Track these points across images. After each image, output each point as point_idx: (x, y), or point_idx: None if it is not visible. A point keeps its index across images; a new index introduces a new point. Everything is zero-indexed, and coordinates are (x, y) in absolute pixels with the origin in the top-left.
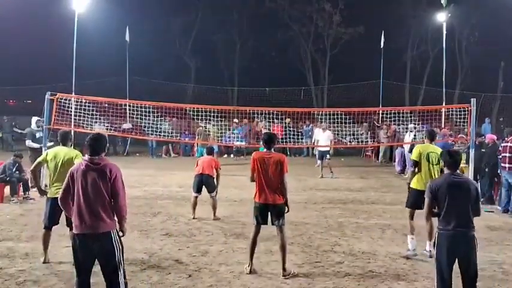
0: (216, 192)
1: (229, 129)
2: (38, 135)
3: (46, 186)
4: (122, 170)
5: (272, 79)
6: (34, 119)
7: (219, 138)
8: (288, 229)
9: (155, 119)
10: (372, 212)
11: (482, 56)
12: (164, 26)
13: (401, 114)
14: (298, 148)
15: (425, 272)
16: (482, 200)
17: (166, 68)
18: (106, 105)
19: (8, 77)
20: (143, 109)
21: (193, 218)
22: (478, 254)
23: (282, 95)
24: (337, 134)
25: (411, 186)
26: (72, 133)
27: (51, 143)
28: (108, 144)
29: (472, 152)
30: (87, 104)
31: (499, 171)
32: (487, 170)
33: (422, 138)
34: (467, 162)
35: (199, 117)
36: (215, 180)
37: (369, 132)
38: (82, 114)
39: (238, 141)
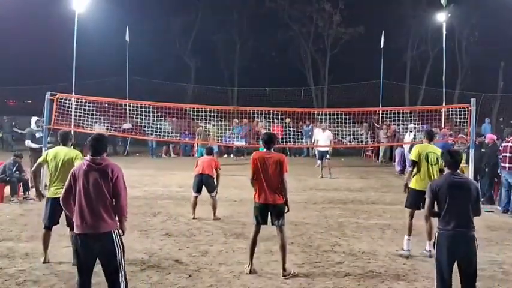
0: (216, 192)
1: (229, 129)
2: (37, 135)
3: (46, 186)
4: (122, 170)
5: (272, 79)
6: (34, 119)
7: (219, 138)
8: (288, 229)
9: (155, 119)
10: (372, 212)
11: (482, 56)
12: (164, 26)
13: (401, 114)
14: (298, 148)
15: (425, 272)
16: (482, 200)
17: (166, 68)
18: (106, 105)
19: (8, 77)
20: (143, 109)
21: (193, 218)
22: (478, 254)
23: (282, 95)
24: (337, 134)
25: (410, 186)
26: (72, 133)
27: (51, 144)
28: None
29: (472, 152)
30: (87, 104)
31: (499, 171)
32: (487, 170)
33: (422, 138)
34: (467, 162)
35: (199, 117)
36: (215, 180)
37: (369, 132)
38: (82, 114)
39: (238, 141)
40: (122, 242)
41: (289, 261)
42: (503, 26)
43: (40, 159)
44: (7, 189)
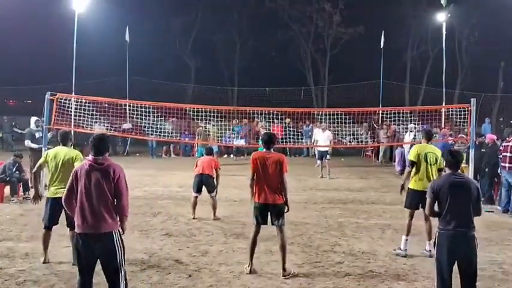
0: (216, 192)
1: (229, 129)
2: (37, 135)
3: (46, 186)
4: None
5: (272, 79)
6: (33, 119)
7: (219, 139)
8: (288, 229)
9: (155, 119)
10: (372, 212)
11: (482, 56)
12: (164, 26)
13: (401, 114)
14: (298, 148)
15: (425, 272)
16: (482, 200)
17: (166, 68)
18: (106, 105)
19: (8, 77)
20: (143, 109)
21: (193, 218)
22: (478, 254)
23: (282, 95)
24: (337, 134)
25: (409, 186)
26: (72, 133)
27: (50, 146)
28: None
29: (472, 152)
30: (87, 104)
31: (499, 171)
32: (487, 170)
33: (422, 138)
34: (467, 162)
35: (199, 117)
36: (215, 180)
37: (369, 132)
38: (82, 114)
39: (238, 140)
40: (122, 242)
41: (289, 261)
42: (503, 26)
43: (41, 160)
44: (7, 189)
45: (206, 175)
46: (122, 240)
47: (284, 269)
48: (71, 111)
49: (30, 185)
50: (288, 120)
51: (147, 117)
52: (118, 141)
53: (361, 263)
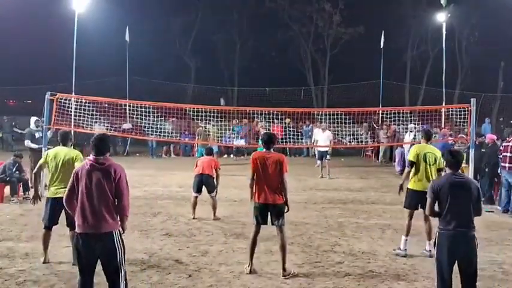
0: (216, 192)
1: (229, 129)
2: (37, 135)
3: (46, 186)
4: None
5: (272, 79)
6: (33, 119)
7: (219, 139)
8: (288, 229)
9: (155, 119)
10: (372, 212)
11: (482, 56)
12: (164, 26)
13: (401, 114)
14: (298, 148)
15: (425, 272)
16: (482, 199)
17: (166, 68)
18: (106, 105)
19: (8, 77)
20: (143, 109)
21: (193, 218)
22: (478, 254)
23: (282, 95)
24: (337, 134)
25: (409, 186)
26: (72, 133)
27: (50, 146)
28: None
29: (472, 152)
30: (87, 104)
31: (499, 171)
32: (487, 170)
33: (421, 138)
34: (467, 162)
35: (199, 118)
36: (215, 180)
37: (369, 133)
38: (82, 114)
39: (238, 140)
40: (123, 242)
41: (289, 261)
42: (503, 26)
43: (41, 161)
44: (7, 189)
45: (206, 175)
46: (122, 240)
47: (284, 269)
48: (71, 111)
49: (30, 185)
50: (288, 120)
51: (147, 117)
52: (118, 141)
53: (361, 263)
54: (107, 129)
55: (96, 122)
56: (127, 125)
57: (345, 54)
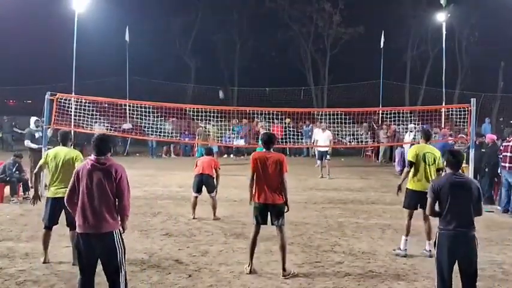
0: (216, 192)
1: (229, 129)
2: (37, 135)
3: (46, 186)
4: None
5: (272, 79)
6: (32, 119)
7: (219, 139)
8: (288, 229)
9: (155, 119)
10: (372, 212)
11: (482, 56)
12: (164, 26)
13: (401, 114)
14: (298, 148)
15: (425, 272)
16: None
17: (166, 68)
18: (106, 105)
19: (8, 77)
20: (143, 109)
21: (193, 218)
22: (478, 254)
23: (282, 95)
24: (337, 134)
25: (408, 187)
26: (72, 133)
27: (50, 146)
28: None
29: (472, 152)
30: (87, 104)
31: (499, 171)
32: (487, 170)
33: (420, 138)
34: (467, 162)
35: (199, 118)
36: (215, 180)
37: (369, 132)
38: (82, 114)
39: (237, 140)
40: (123, 242)
41: (289, 261)
42: (503, 26)
43: (41, 161)
44: (7, 189)
45: (206, 175)
46: (122, 240)
47: (284, 269)
48: (71, 111)
49: (30, 185)
50: (288, 120)
51: (147, 117)
52: (118, 141)
53: (361, 263)
54: (107, 129)
55: (96, 122)
56: (127, 125)
57: (345, 54)
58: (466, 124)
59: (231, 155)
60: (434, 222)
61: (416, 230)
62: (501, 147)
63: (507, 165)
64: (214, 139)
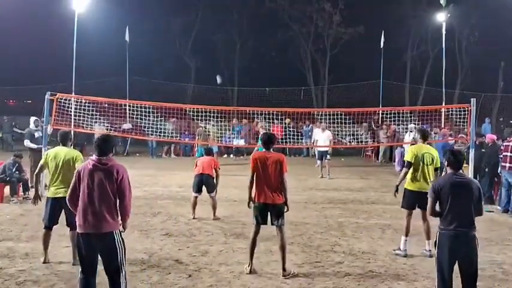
0: (216, 192)
1: (229, 129)
2: (36, 135)
3: (46, 186)
4: None
5: (272, 79)
6: (32, 119)
7: (219, 139)
8: (288, 229)
9: (155, 119)
10: (372, 212)
11: (482, 56)
12: (164, 26)
13: (401, 114)
14: (298, 148)
15: (425, 272)
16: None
17: (166, 68)
18: (106, 105)
19: (8, 77)
20: (143, 109)
21: (193, 218)
22: (478, 254)
23: (282, 95)
24: (337, 134)
25: (406, 187)
26: (72, 133)
27: (50, 146)
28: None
29: (472, 152)
30: (87, 104)
31: (499, 171)
32: (487, 170)
33: (418, 138)
34: (467, 162)
35: (199, 118)
36: (215, 180)
37: (369, 133)
38: (82, 114)
39: (237, 140)
40: (123, 242)
41: (289, 261)
42: (503, 26)
43: (41, 162)
44: (7, 189)
45: (206, 175)
46: (123, 240)
47: (284, 269)
48: (70, 111)
49: (30, 185)
50: (288, 120)
51: (147, 117)
52: (118, 141)
53: (361, 263)
54: (107, 129)
55: (96, 122)
56: (127, 125)
57: (345, 54)
58: (466, 124)
59: (231, 155)
60: (433, 222)
61: (416, 230)
62: (501, 147)
63: (507, 165)
64: (214, 139)
